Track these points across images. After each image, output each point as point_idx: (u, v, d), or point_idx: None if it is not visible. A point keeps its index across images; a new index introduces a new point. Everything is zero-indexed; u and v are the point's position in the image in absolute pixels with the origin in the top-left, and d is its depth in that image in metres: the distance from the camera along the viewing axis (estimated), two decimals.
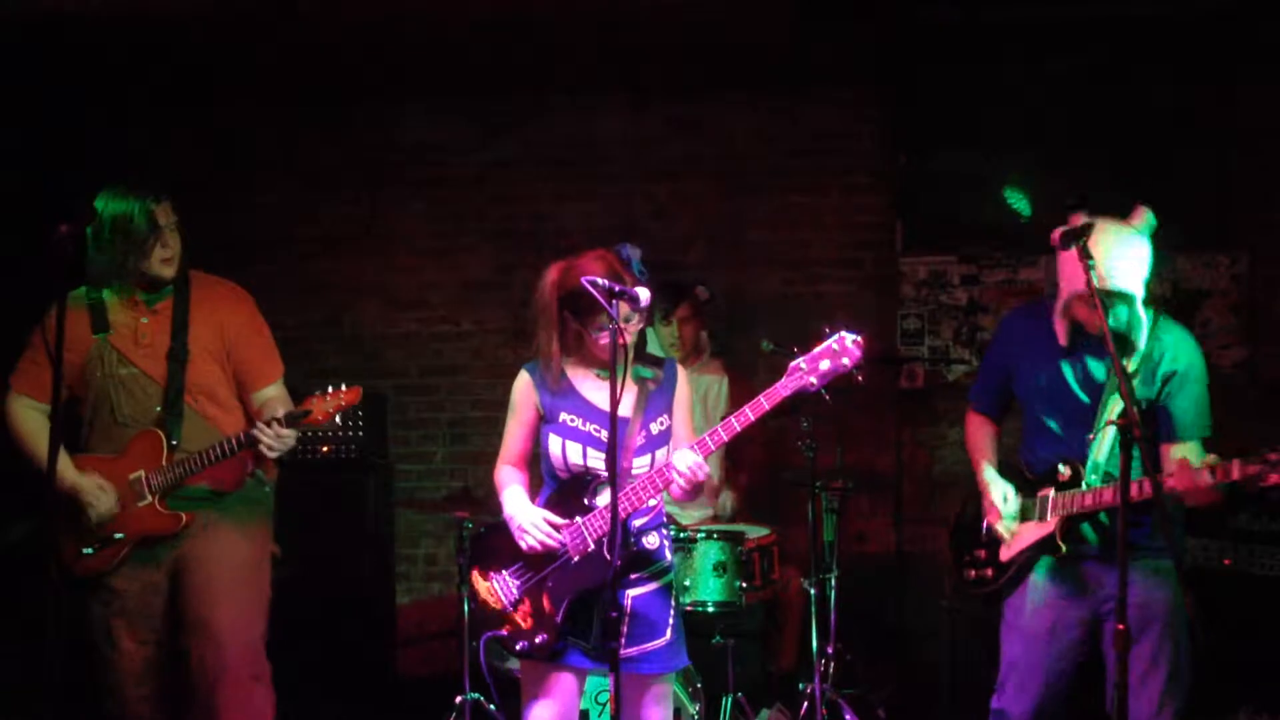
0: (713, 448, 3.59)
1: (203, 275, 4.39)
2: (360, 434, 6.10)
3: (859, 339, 3.53)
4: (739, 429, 3.57)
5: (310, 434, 4.71)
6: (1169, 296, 6.30)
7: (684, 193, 6.81)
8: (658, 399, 3.80)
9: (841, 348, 3.52)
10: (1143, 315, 3.84)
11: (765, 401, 3.53)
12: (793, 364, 3.56)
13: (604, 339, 3.63)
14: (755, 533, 5.21)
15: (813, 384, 3.53)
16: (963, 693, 4.78)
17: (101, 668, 4.25)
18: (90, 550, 4.18)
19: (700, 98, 6.78)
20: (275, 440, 4.15)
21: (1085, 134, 6.26)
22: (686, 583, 4.91)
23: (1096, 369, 3.97)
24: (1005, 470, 4.17)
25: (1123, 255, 3.77)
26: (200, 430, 4.27)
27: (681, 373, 3.90)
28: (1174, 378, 3.90)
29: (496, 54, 6.32)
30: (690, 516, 5.52)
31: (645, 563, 3.79)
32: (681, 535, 4.96)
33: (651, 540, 3.81)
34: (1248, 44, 6.12)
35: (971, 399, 4.38)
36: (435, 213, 6.89)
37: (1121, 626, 3.34)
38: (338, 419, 4.19)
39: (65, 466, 4.15)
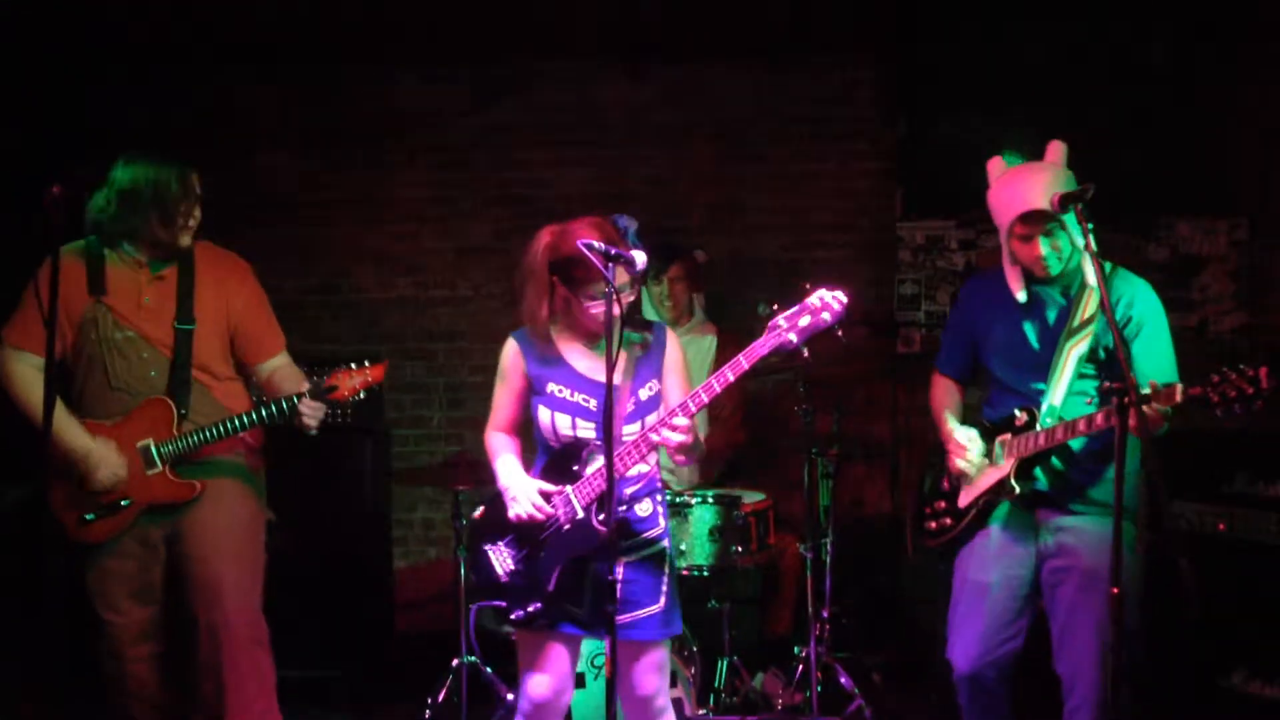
0: (694, 409, 3.53)
1: (207, 245, 4.36)
2: (356, 397, 6.07)
3: (840, 295, 3.46)
4: (718, 389, 3.51)
5: None
6: (1169, 261, 6.31)
7: (682, 159, 6.77)
8: (645, 364, 3.75)
9: (822, 303, 3.45)
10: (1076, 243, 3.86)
11: (744, 360, 3.47)
12: (771, 321, 3.50)
13: (594, 307, 3.57)
14: (751, 498, 5.22)
15: (792, 341, 3.45)
16: None
17: (100, 630, 4.24)
18: (93, 517, 4.16)
19: (699, 64, 6.73)
20: (313, 411, 4.18)
21: (1085, 98, 6.21)
22: (682, 547, 4.92)
23: (1051, 317, 4.00)
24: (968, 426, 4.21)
25: (1033, 178, 3.85)
26: (203, 401, 4.26)
27: (672, 337, 3.85)
28: (1130, 323, 3.88)
29: (495, 19, 6.28)
30: (683, 482, 5.53)
31: (635, 530, 3.77)
32: (677, 500, 4.97)
33: (644, 508, 3.78)
34: (1249, 6, 6.08)
35: (938, 365, 4.42)
36: (433, 178, 6.86)
37: (1116, 590, 3.34)
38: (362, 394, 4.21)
39: (74, 429, 4.14)
